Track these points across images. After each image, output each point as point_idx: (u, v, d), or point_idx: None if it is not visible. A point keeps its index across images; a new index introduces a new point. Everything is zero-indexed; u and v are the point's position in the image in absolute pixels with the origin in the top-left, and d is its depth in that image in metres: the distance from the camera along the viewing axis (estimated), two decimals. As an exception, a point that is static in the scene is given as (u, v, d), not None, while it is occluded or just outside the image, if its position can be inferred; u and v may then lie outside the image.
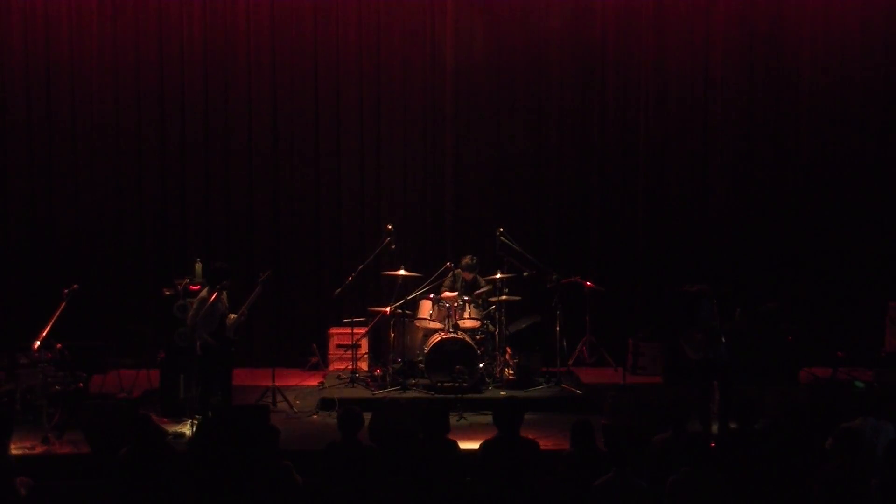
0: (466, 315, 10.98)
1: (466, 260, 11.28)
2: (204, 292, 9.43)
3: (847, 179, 12.88)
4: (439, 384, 10.49)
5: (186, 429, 9.27)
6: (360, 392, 10.69)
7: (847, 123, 12.89)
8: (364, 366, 11.66)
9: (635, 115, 13.00)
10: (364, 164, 13.01)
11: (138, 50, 12.76)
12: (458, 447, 7.38)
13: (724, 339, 8.86)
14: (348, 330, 11.50)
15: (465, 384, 10.37)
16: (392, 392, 10.56)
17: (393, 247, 11.31)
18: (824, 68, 12.89)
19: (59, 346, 9.29)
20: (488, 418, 8.66)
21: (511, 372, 11.09)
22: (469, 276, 11.29)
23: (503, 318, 11.11)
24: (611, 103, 13.01)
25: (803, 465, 6.96)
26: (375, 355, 11.68)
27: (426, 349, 10.70)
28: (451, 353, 10.58)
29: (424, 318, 11.07)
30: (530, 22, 12.93)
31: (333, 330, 12.11)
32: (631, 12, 12.93)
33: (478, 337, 11.00)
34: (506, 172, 12.99)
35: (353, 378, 11.05)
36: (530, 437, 7.95)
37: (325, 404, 10.31)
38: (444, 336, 10.70)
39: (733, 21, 12.91)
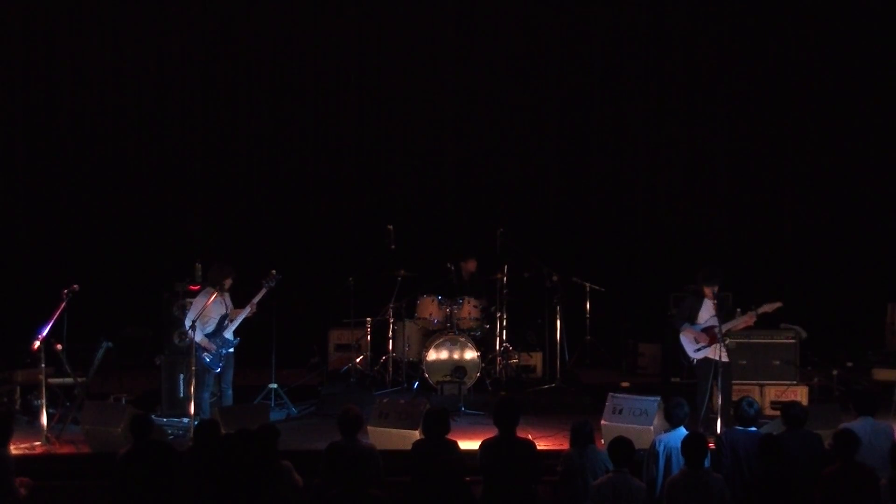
0: (466, 315, 10.98)
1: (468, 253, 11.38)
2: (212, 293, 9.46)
3: (847, 180, 12.89)
4: (439, 384, 10.49)
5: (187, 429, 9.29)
6: (360, 392, 10.68)
7: (847, 123, 12.90)
8: (364, 366, 11.65)
9: (635, 113, 13.01)
10: (364, 164, 13.03)
11: (138, 49, 12.78)
12: (458, 447, 7.38)
13: (724, 339, 8.85)
14: (348, 330, 11.50)
15: (464, 384, 10.37)
16: (392, 392, 10.57)
17: (393, 247, 11.31)
18: (824, 67, 12.91)
19: (58, 346, 9.27)
20: (488, 418, 8.66)
21: (511, 371, 11.10)
22: (471, 265, 11.33)
23: (503, 317, 11.11)
24: (610, 102, 13.03)
25: (803, 467, 6.96)
26: (375, 355, 11.67)
27: (426, 349, 10.70)
28: (451, 353, 10.59)
29: (424, 318, 11.08)
30: (530, 21, 12.96)
31: (333, 330, 12.10)
32: (630, 13, 12.98)
33: (477, 336, 11.01)
34: (506, 172, 13.01)
35: (353, 378, 11.05)
36: (530, 437, 7.98)
37: (324, 404, 10.31)
38: (444, 336, 10.70)
39: (734, 20, 12.94)
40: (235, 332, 9.61)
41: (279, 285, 9.69)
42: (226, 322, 9.56)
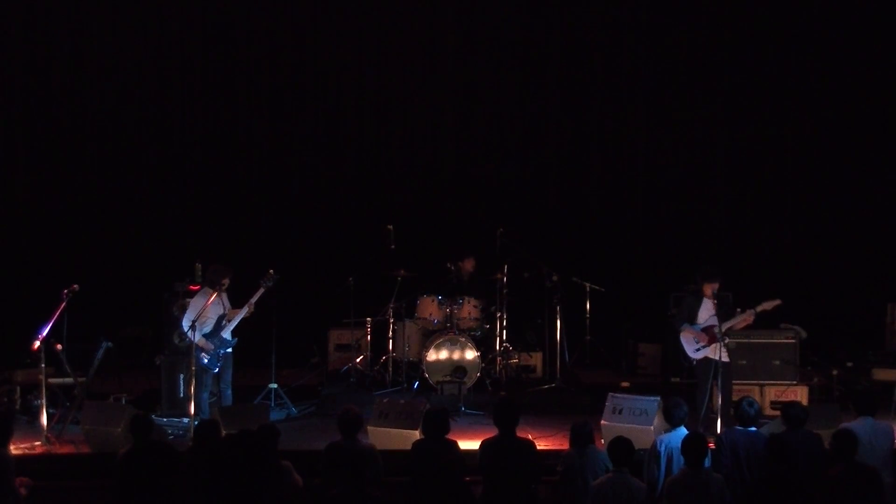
0: (466, 315, 10.98)
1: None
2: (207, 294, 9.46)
3: (847, 180, 12.90)
4: (439, 384, 10.49)
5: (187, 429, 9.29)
6: (360, 392, 10.69)
7: (847, 122, 12.91)
8: (364, 366, 11.65)
9: (635, 113, 13.02)
10: (364, 164, 13.04)
11: (138, 49, 12.79)
12: (457, 447, 7.38)
13: (723, 339, 8.86)
14: (348, 330, 11.50)
15: (464, 384, 10.37)
16: (392, 392, 10.58)
17: (392, 247, 11.30)
18: (824, 66, 12.92)
19: (58, 346, 9.27)
20: (488, 418, 8.66)
21: (511, 371, 11.09)
22: (469, 264, 11.33)
23: (503, 317, 11.11)
24: (609, 101, 13.05)
25: (803, 467, 6.96)
26: (375, 355, 11.68)
27: (426, 349, 10.70)
28: (451, 353, 10.59)
29: (424, 318, 11.08)
30: (530, 21, 12.99)
31: (333, 330, 12.10)
32: (629, 13, 12.99)
33: (477, 336, 11.00)
34: (506, 172, 13.02)
35: (353, 378, 11.05)
36: (530, 437, 7.98)
37: (324, 405, 10.31)
38: (444, 336, 10.70)
39: (734, 19, 12.96)
40: (234, 333, 9.61)
41: (278, 285, 9.69)
42: (223, 322, 9.56)
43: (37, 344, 9.08)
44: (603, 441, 7.90)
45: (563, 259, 12.36)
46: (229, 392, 9.75)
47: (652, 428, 8.38)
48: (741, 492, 6.94)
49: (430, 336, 10.91)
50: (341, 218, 12.98)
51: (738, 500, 6.83)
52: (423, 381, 10.70)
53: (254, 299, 9.58)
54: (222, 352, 9.54)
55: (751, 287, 11.66)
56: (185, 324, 9.36)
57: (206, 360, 9.43)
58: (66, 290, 9.05)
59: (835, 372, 10.48)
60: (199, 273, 10.44)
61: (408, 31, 12.97)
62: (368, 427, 8.58)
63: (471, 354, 10.60)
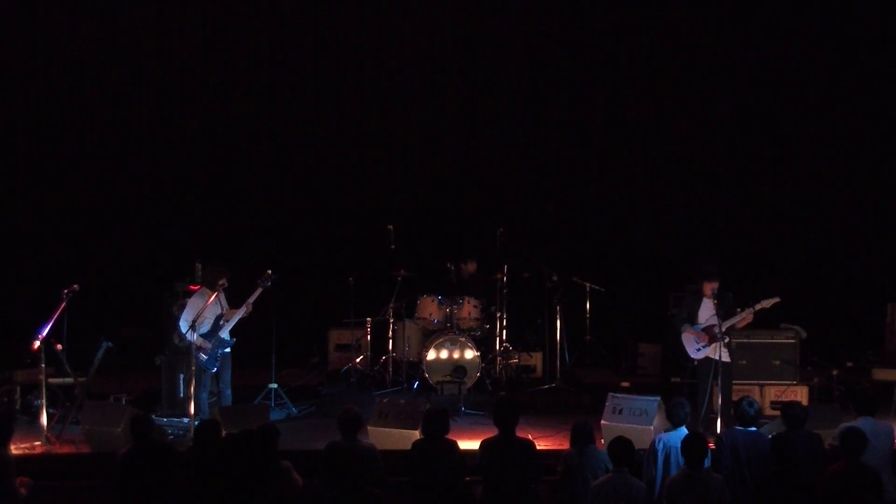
0: (466, 315, 10.98)
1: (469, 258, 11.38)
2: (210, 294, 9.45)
3: (847, 179, 12.90)
4: (439, 384, 10.49)
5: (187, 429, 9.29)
6: (360, 392, 10.68)
7: (847, 122, 12.91)
8: (364, 366, 11.65)
9: (635, 113, 13.02)
10: (364, 164, 13.04)
11: (138, 48, 12.79)
12: (457, 447, 7.38)
13: (724, 338, 8.86)
14: (348, 330, 11.49)
15: (464, 384, 10.37)
16: (392, 392, 10.57)
17: (392, 247, 11.30)
18: (824, 65, 12.92)
19: (58, 346, 9.27)
20: (488, 418, 8.67)
21: (511, 371, 11.09)
22: (471, 267, 11.32)
23: (503, 317, 11.11)
24: (610, 102, 13.05)
25: (803, 467, 6.96)
26: (375, 355, 11.68)
27: (426, 349, 10.70)
28: (451, 353, 10.59)
29: (424, 318, 11.08)
30: (530, 21, 13.00)
31: (333, 330, 12.09)
32: (630, 13, 13.00)
33: (477, 336, 11.00)
34: (506, 172, 13.02)
35: (353, 378, 11.05)
36: (530, 437, 7.98)
37: (324, 405, 10.30)
38: (444, 336, 10.69)
39: (734, 18, 12.96)
40: (232, 332, 9.60)
41: (277, 285, 9.68)
42: (221, 322, 9.55)
43: (37, 344, 9.07)
44: (603, 441, 7.90)
45: (563, 259, 12.37)
46: (229, 392, 9.75)
47: (652, 428, 8.38)
48: (742, 492, 6.94)
49: (430, 336, 10.92)
50: (341, 218, 12.98)
51: (739, 501, 6.82)
52: (423, 381, 10.70)
53: (251, 299, 9.57)
54: (220, 352, 9.54)
55: (751, 287, 11.69)
56: (183, 325, 9.36)
57: (204, 360, 9.44)
58: (66, 290, 9.05)
59: (835, 372, 10.47)
60: (199, 273, 10.44)
61: (408, 32, 12.97)
62: (368, 427, 8.58)
63: (471, 354, 10.60)
